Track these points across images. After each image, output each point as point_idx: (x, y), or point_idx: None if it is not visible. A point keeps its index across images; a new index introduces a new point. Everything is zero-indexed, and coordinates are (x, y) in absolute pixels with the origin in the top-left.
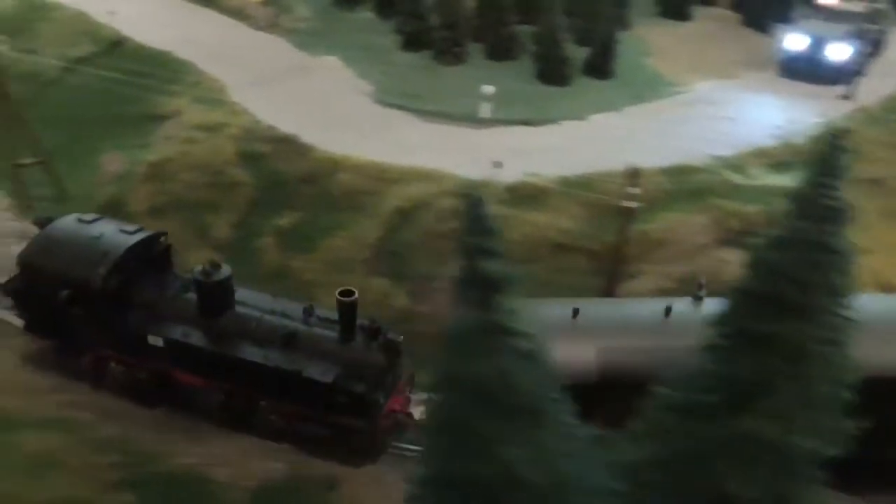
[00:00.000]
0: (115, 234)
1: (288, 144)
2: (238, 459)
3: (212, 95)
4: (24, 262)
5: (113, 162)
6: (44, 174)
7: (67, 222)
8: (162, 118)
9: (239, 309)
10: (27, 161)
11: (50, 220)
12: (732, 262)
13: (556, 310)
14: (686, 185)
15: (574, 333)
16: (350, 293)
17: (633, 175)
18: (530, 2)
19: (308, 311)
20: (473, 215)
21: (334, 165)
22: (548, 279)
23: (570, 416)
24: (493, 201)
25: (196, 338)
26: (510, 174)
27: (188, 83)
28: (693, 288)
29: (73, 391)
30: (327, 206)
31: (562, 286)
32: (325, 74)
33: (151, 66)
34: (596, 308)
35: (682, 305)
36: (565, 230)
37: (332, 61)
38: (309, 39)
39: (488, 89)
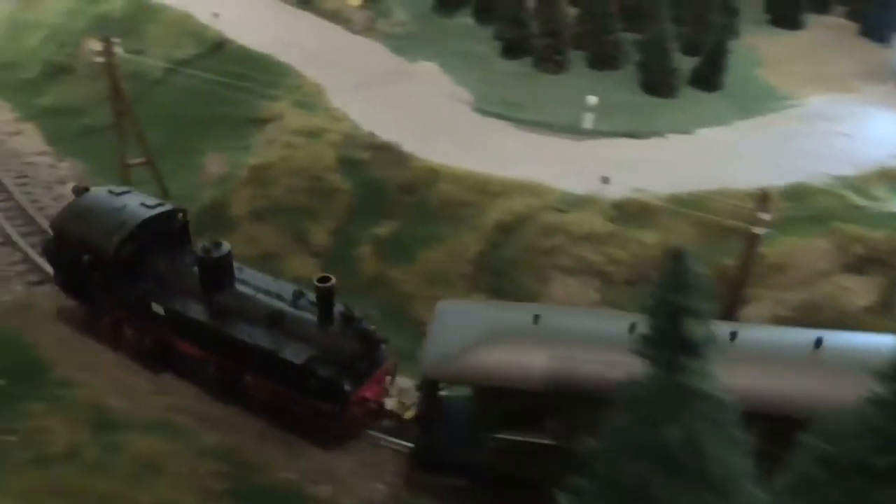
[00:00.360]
0: (136, 207)
1: (387, 152)
2: (341, 477)
3: (311, 99)
4: (56, 227)
5: (214, 163)
6: (149, 173)
7: (99, 193)
8: (263, 121)
9: (238, 286)
10: (135, 161)
11: (86, 189)
12: (855, 291)
13: (519, 314)
14: (805, 207)
15: (531, 339)
16: (327, 279)
17: (763, 198)
18: (636, 9)
19: (298, 295)
20: (675, 269)
21: (434, 175)
22: None
23: (753, 484)
24: (599, 217)
25: (194, 310)
26: (615, 189)
27: (288, 86)
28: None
29: (176, 394)
30: (426, 217)
31: None
32: (423, 80)
33: (252, 68)
34: (558, 317)
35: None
36: None
37: (429, 67)
38: (406, 44)
39: (592, 100)
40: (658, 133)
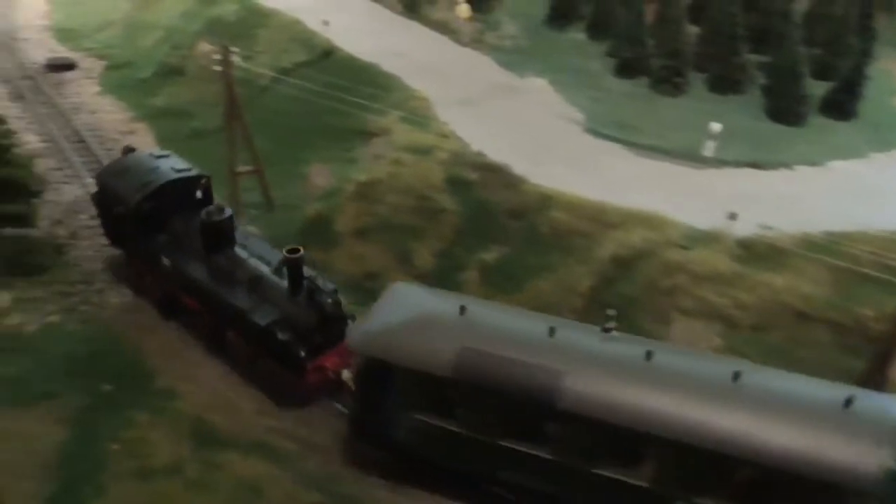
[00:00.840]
0: (166, 170)
1: (496, 173)
2: None
3: (419, 113)
4: (99, 179)
5: (320, 175)
6: (255, 181)
7: (142, 154)
8: (370, 134)
9: (236, 250)
10: (244, 169)
11: (132, 150)
12: None
13: (446, 303)
14: None
15: (451, 328)
16: (297, 251)
17: None
18: (764, 29)
19: (282, 263)
20: None
21: (545, 201)
22: (784, 350)
23: None
24: (724, 256)
25: (193, 267)
26: (742, 226)
27: (396, 99)
28: None
29: (277, 416)
30: (536, 245)
31: (801, 360)
32: (533, 97)
33: (360, 78)
34: (483, 310)
35: (576, 332)
36: (807, 296)
37: (539, 83)
38: (515, 58)
39: (715, 127)
40: (785, 164)
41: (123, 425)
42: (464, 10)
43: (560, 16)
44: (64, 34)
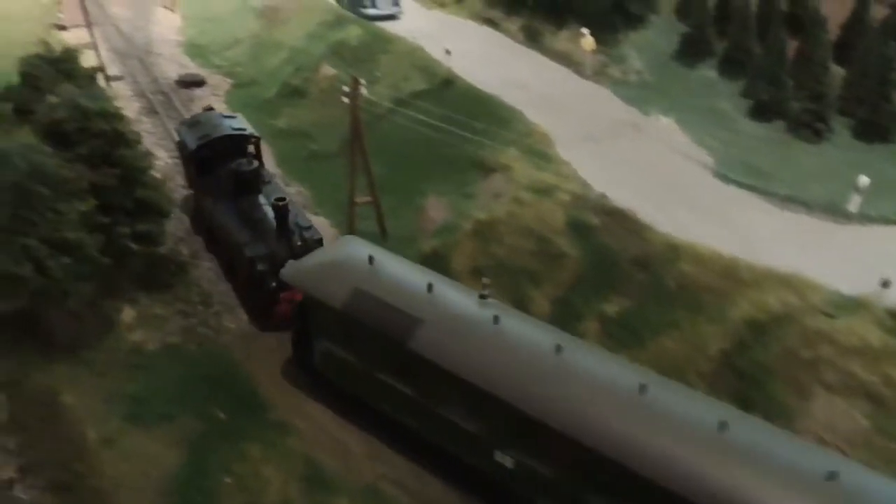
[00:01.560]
0: (225, 127)
1: (620, 219)
2: None
3: (540, 150)
4: (178, 129)
5: (436, 208)
6: (370, 209)
7: (214, 113)
8: (489, 170)
9: (258, 197)
10: (361, 199)
11: (211, 108)
12: None
13: (366, 253)
14: None
15: (355, 272)
16: (283, 199)
17: None
18: None
19: (287, 209)
20: None
21: (673, 252)
22: None
23: None
24: (874, 328)
25: (221, 206)
26: (892, 293)
27: (516, 133)
28: None
29: (389, 463)
30: (662, 299)
31: None
32: (658, 137)
33: (479, 110)
34: (388, 262)
35: (453, 292)
36: None
37: (665, 122)
38: (640, 94)
39: (863, 180)
40: None
41: (236, 457)
42: (588, 42)
43: (690, 51)
44: (195, 50)
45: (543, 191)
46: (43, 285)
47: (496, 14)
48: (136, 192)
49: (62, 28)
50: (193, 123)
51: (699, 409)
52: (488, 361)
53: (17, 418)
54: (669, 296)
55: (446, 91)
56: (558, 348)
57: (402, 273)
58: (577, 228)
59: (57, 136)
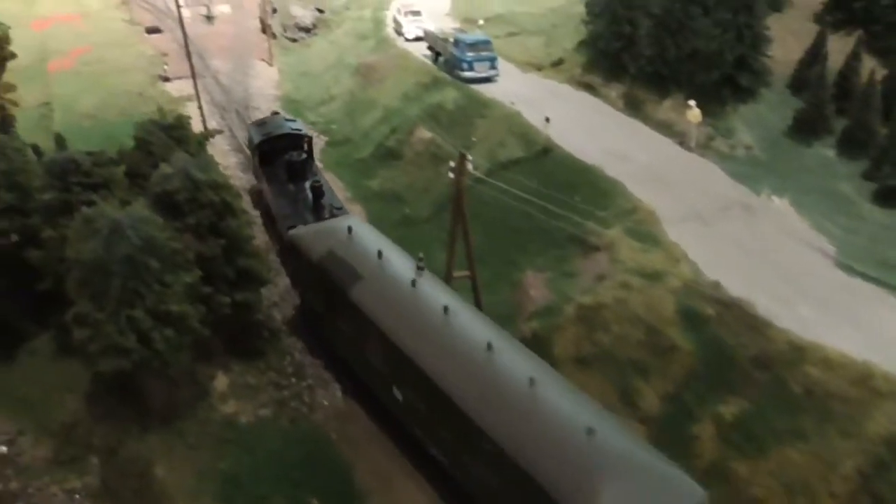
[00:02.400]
0: (284, 127)
1: (736, 311)
2: None
3: (646, 229)
4: (248, 128)
5: (536, 286)
6: (467, 283)
7: (278, 116)
8: (591, 247)
9: (305, 184)
10: (459, 274)
11: (277, 113)
12: None
13: (351, 223)
14: None
15: (334, 237)
16: (318, 182)
17: None
18: None
19: (321, 191)
20: None
21: (797, 353)
22: None
23: None
24: None
25: (275, 189)
26: None
27: (619, 208)
28: None
29: None
30: (784, 404)
31: None
32: (772, 220)
33: (580, 180)
34: (363, 233)
35: (399, 259)
36: None
37: (779, 204)
38: (750, 171)
39: None
40: None
41: None
42: (694, 114)
43: (805, 128)
44: (291, 105)
45: (652, 275)
46: (145, 356)
47: (595, 80)
48: (238, 262)
49: (166, 80)
50: (261, 124)
51: (521, 366)
52: (397, 316)
53: (109, 485)
54: (794, 401)
55: (544, 160)
56: (446, 308)
57: (368, 241)
58: (690, 319)
59: (168, 206)
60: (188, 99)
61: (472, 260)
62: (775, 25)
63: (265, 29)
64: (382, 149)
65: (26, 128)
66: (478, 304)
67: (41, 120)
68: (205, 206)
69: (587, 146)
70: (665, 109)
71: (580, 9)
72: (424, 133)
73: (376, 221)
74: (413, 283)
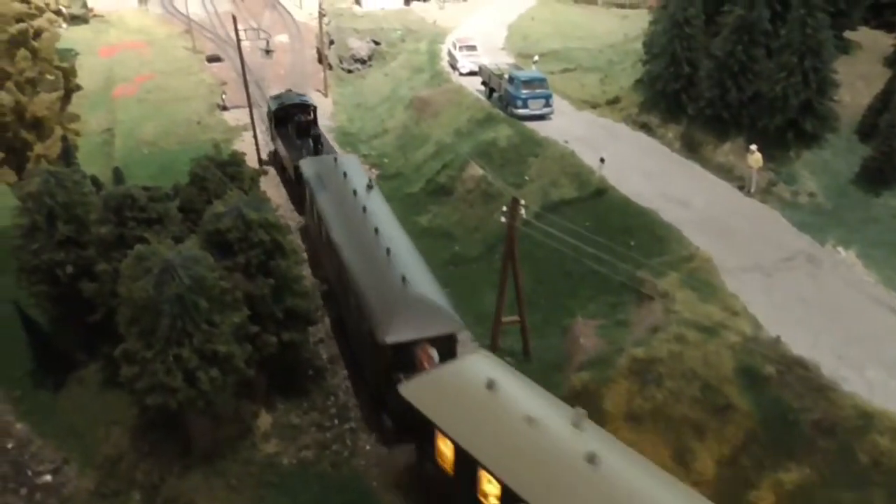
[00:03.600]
0: (294, 98)
1: (799, 372)
2: None
3: (703, 278)
4: (267, 101)
5: (587, 334)
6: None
7: (290, 92)
8: (646, 295)
9: (309, 140)
10: (508, 319)
11: (290, 90)
12: None
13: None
14: None
15: (321, 163)
16: (318, 133)
17: None
18: None
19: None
20: None
21: (864, 419)
22: None
23: None
24: None
25: (286, 144)
26: None
27: (675, 255)
28: None
29: None
30: (851, 475)
31: None
32: (838, 272)
33: (634, 224)
34: (353, 167)
35: (358, 179)
36: None
37: (846, 256)
38: (814, 220)
39: None
40: None
41: None
42: (756, 158)
43: (874, 176)
44: (345, 137)
45: (709, 329)
46: (190, 396)
47: (652, 119)
48: (286, 301)
49: (224, 108)
50: (277, 97)
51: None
52: (337, 214)
53: None
54: (862, 472)
55: (598, 201)
56: (388, 251)
57: (344, 167)
58: (749, 377)
59: (219, 244)
60: (244, 128)
61: (523, 305)
62: (843, 69)
63: (322, 59)
64: (433, 184)
65: (89, 152)
66: (525, 350)
67: (103, 146)
68: (255, 246)
69: (643, 188)
70: (724, 152)
71: (637, 46)
72: (476, 170)
73: (428, 259)
74: (354, 192)
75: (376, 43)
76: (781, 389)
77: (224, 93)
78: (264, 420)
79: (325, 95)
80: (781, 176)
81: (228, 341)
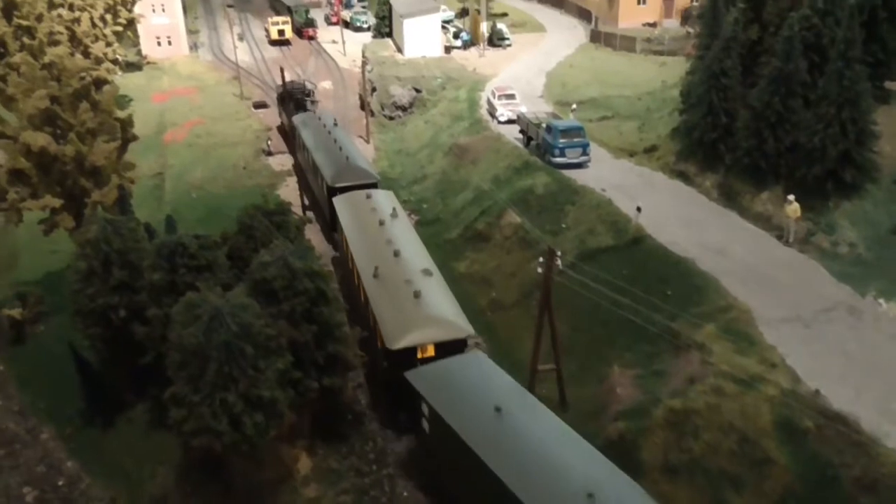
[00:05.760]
0: (297, 83)
1: (840, 426)
2: None
3: (741, 329)
4: (277, 87)
5: (623, 384)
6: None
7: (295, 80)
8: (682, 345)
9: (307, 111)
10: (544, 367)
11: (293, 81)
12: None
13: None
14: None
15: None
16: (315, 102)
17: None
18: None
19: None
20: None
21: None
22: None
23: None
24: None
25: (289, 112)
26: None
27: (712, 306)
28: None
29: None
30: None
31: None
32: (881, 326)
33: (671, 274)
34: (325, 113)
35: (330, 121)
36: None
37: (887, 308)
38: (854, 270)
39: None
40: None
41: None
42: (794, 208)
43: None
44: (385, 183)
45: (746, 381)
46: (235, 439)
47: (689, 168)
48: (328, 347)
49: (269, 154)
50: (284, 84)
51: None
52: (311, 137)
53: None
54: None
55: (635, 250)
56: (333, 136)
57: (323, 116)
58: (787, 431)
59: (265, 292)
60: (288, 174)
61: (559, 354)
62: (883, 118)
63: (364, 106)
64: (471, 231)
65: (141, 196)
66: (562, 398)
67: (154, 190)
68: (300, 294)
69: (680, 237)
70: (762, 202)
71: (675, 93)
72: (514, 217)
73: (463, 304)
74: (325, 127)
75: (417, 90)
76: (821, 444)
77: (269, 139)
78: (304, 464)
79: (367, 141)
80: (820, 226)
81: (272, 386)
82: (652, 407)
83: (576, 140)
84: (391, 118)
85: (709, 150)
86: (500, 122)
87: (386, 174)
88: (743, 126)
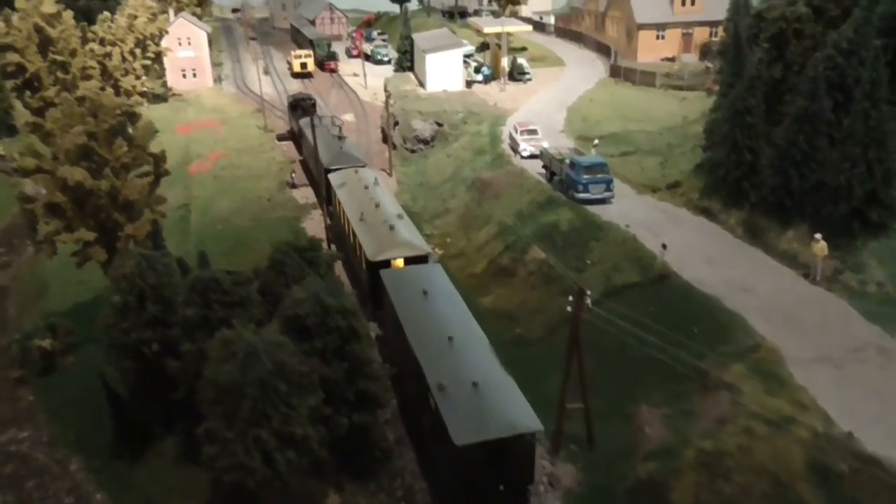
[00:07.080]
0: (303, 94)
1: (874, 470)
2: None
3: (770, 369)
4: (288, 98)
5: (651, 423)
6: (580, 413)
7: (302, 92)
8: (711, 385)
9: (313, 118)
10: (572, 406)
11: (299, 94)
12: None
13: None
14: None
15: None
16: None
17: None
18: None
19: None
20: None
21: None
22: None
23: None
24: None
25: (296, 118)
26: None
27: (740, 345)
28: None
29: None
30: None
31: None
32: None
33: (697, 312)
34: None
35: (327, 121)
36: None
37: None
38: (883, 310)
39: None
40: None
41: None
42: (821, 247)
43: None
44: (408, 216)
45: (778, 422)
46: (268, 476)
47: (713, 205)
48: (359, 384)
49: (293, 186)
50: (293, 95)
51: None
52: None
53: None
54: None
55: (660, 287)
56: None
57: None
58: (821, 474)
59: (298, 328)
60: (313, 206)
61: (586, 391)
62: None
63: (386, 139)
64: (495, 266)
65: (167, 227)
66: (590, 438)
67: (180, 221)
68: (332, 331)
69: (705, 274)
70: (788, 240)
71: (696, 129)
72: (538, 253)
73: (489, 339)
74: (310, 121)
75: (439, 124)
76: (855, 488)
77: (293, 171)
78: (333, 501)
79: (390, 174)
80: (848, 264)
81: (305, 423)
82: (682, 447)
83: (599, 176)
84: (413, 151)
85: (733, 187)
86: (522, 157)
87: (408, 207)
88: (768, 164)
